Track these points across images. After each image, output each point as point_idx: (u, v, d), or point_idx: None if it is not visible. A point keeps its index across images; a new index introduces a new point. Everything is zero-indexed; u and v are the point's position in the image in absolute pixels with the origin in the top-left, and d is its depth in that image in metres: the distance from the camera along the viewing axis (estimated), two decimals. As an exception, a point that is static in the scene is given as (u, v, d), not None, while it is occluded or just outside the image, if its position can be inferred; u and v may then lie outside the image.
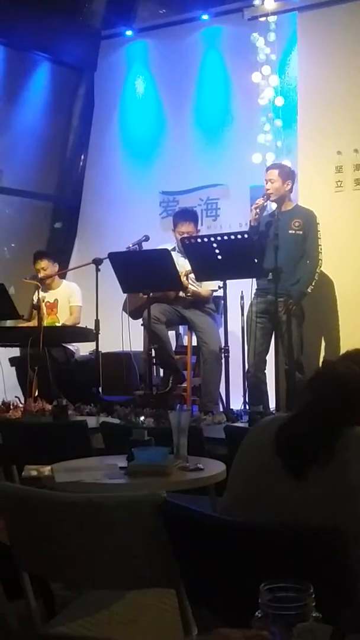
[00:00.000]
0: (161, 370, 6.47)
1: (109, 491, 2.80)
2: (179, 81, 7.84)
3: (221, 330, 5.85)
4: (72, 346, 6.67)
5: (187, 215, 6.45)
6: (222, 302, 5.78)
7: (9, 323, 6.53)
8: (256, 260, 5.48)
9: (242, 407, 5.71)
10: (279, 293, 5.57)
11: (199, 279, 5.92)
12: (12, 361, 6.54)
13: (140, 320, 6.13)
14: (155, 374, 6.39)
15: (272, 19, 6.92)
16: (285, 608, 1.06)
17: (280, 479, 1.93)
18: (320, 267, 5.88)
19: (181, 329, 6.67)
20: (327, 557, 1.66)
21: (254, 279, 5.82)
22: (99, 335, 5.99)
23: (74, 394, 5.88)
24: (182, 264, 5.86)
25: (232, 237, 5.43)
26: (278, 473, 1.94)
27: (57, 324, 6.77)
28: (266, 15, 6.90)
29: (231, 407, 5.55)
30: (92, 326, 6.04)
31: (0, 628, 2.17)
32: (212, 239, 5.47)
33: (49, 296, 6.85)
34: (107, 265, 5.92)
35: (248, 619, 1.10)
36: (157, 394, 6.06)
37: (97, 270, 6.02)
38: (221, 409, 5.74)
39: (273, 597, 1.07)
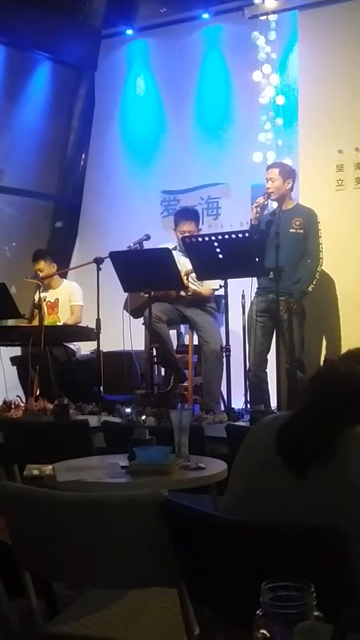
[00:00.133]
0: (162, 370, 6.47)
1: (110, 490, 2.81)
2: (180, 80, 7.84)
3: (222, 329, 5.86)
4: (74, 345, 6.68)
5: (189, 214, 6.45)
6: (223, 301, 5.79)
7: (10, 322, 6.52)
8: (257, 259, 5.48)
9: (244, 406, 5.71)
10: (280, 292, 5.57)
11: (200, 278, 5.91)
12: (14, 360, 6.54)
13: (141, 320, 6.13)
14: (156, 373, 6.39)
15: (272, 17, 6.91)
16: (287, 607, 1.06)
17: (281, 478, 1.93)
18: (321, 266, 5.88)
19: (182, 328, 6.67)
20: (328, 556, 1.66)
21: (255, 278, 5.82)
22: (100, 335, 6.00)
23: (75, 393, 5.89)
24: (183, 263, 5.86)
25: (233, 236, 5.43)
26: (279, 472, 1.94)
27: (58, 324, 6.77)
28: (267, 13, 6.89)
29: (232, 406, 5.55)
30: (93, 325, 6.04)
31: (2, 627, 2.17)
32: (213, 238, 5.47)
33: (49, 296, 6.86)
34: (108, 265, 5.92)
35: (249, 618, 1.10)
36: (159, 393, 6.06)
37: (98, 269, 6.02)
38: (222, 408, 5.74)
39: (274, 596, 1.07)
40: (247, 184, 7.21)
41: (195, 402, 5.95)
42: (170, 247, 5.90)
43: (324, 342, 6.40)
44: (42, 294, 6.53)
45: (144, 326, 6.13)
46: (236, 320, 6.03)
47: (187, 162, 7.70)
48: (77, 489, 2.83)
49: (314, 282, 5.82)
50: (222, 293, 5.70)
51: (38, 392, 5.93)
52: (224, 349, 5.69)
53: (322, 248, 5.87)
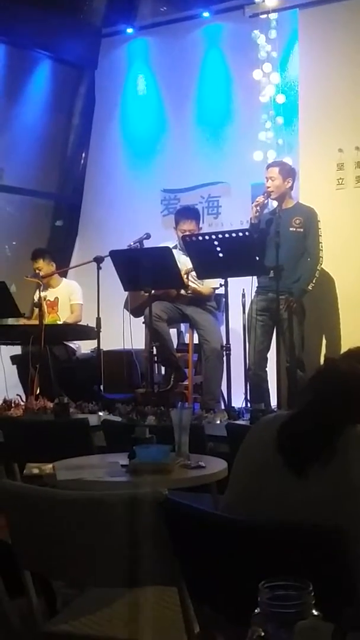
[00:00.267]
0: (162, 368, 6.47)
1: (110, 489, 2.80)
2: (180, 79, 7.84)
3: (222, 328, 5.86)
4: (74, 344, 6.68)
5: (189, 212, 6.44)
6: (224, 299, 5.79)
7: (11, 321, 6.52)
8: (257, 258, 5.48)
9: (244, 405, 5.71)
10: (280, 291, 5.57)
11: (201, 276, 5.91)
12: (14, 359, 6.54)
13: (141, 318, 6.13)
14: (156, 372, 6.39)
15: (273, 16, 6.91)
16: (283, 606, 1.06)
17: (281, 477, 1.93)
18: (321, 264, 5.88)
19: (182, 326, 6.67)
20: (328, 555, 1.66)
21: (255, 277, 5.82)
22: (101, 333, 5.99)
23: (76, 391, 5.89)
24: (184, 262, 5.86)
25: (234, 234, 5.43)
26: (279, 471, 1.94)
27: (58, 322, 6.77)
28: (267, 12, 6.89)
29: (233, 404, 5.55)
30: (93, 324, 6.04)
31: (3, 626, 2.17)
32: (214, 236, 5.47)
33: (49, 295, 6.86)
34: (108, 263, 5.92)
35: (249, 617, 1.10)
36: (159, 392, 6.06)
37: (99, 268, 6.02)
38: (223, 407, 5.74)
39: (272, 595, 1.07)
40: (248, 183, 7.21)
41: (195, 401, 5.95)
42: (171, 246, 5.90)
43: (324, 341, 6.40)
44: (42, 293, 6.53)
45: (144, 325, 6.13)
46: (236, 319, 6.03)
47: (188, 161, 7.70)
48: (77, 487, 2.83)
49: (314, 281, 5.82)
50: (222, 292, 5.70)
51: (38, 391, 5.93)
52: (224, 348, 5.68)
53: (322, 247, 5.87)
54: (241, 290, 5.97)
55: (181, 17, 7.91)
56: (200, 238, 5.65)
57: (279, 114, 7.00)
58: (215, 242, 5.40)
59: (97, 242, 7.68)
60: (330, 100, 6.47)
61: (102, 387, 6.16)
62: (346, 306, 6.30)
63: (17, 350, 6.60)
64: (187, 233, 6.00)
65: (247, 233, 5.50)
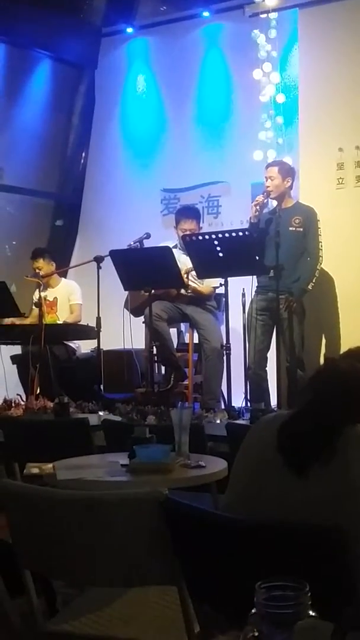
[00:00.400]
0: (162, 368, 6.47)
1: (110, 489, 2.80)
2: (180, 78, 7.83)
3: (222, 328, 5.86)
4: (74, 344, 6.68)
5: (190, 212, 6.44)
6: (224, 299, 5.79)
7: (9, 321, 6.52)
8: (257, 258, 5.48)
9: (244, 405, 5.71)
10: (280, 290, 5.57)
11: (201, 276, 5.91)
12: (14, 359, 6.54)
13: (141, 318, 6.13)
14: (156, 372, 6.39)
15: (273, 15, 6.91)
16: (279, 607, 1.06)
17: (281, 477, 1.94)
18: (321, 264, 5.88)
19: (182, 326, 6.67)
20: (327, 555, 1.67)
21: (255, 277, 5.82)
22: (101, 333, 6.00)
23: (76, 391, 5.88)
24: (184, 262, 5.86)
25: (234, 234, 5.42)
26: (279, 471, 1.94)
27: (58, 322, 6.77)
28: (267, 12, 6.89)
29: (233, 404, 5.55)
30: (93, 324, 6.04)
31: (3, 625, 2.17)
32: (214, 236, 5.47)
33: (48, 294, 6.86)
34: (108, 263, 5.92)
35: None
36: (159, 392, 6.06)
37: (99, 267, 6.02)
38: (223, 407, 5.74)
39: (269, 595, 1.07)
40: (248, 182, 7.21)
41: (195, 401, 5.95)
42: (171, 246, 5.90)
43: (324, 340, 6.40)
44: (42, 293, 6.53)
45: (144, 324, 6.13)
46: (236, 319, 6.03)
47: (188, 161, 7.69)
48: (77, 487, 2.83)
49: (314, 281, 5.82)
50: (223, 291, 5.70)
51: (38, 391, 5.93)
52: (224, 347, 5.69)
53: (321, 246, 5.86)
54: (241, 290, 5.97)
55: (181, 16, 7.91)
56: (200, 238, 5.65)
57: (279, 113, 7.00)
58: (215, 242, 5.40)
59: (97, 241, 7.68)
60: (330, 99, 6.47)
61: (102, 387, 6.16)
62: (346, 306, 6.30)
63: (17, 350, 6.60)
64: (188, 232, 5.99)
65: (247, 232, 5.50)
